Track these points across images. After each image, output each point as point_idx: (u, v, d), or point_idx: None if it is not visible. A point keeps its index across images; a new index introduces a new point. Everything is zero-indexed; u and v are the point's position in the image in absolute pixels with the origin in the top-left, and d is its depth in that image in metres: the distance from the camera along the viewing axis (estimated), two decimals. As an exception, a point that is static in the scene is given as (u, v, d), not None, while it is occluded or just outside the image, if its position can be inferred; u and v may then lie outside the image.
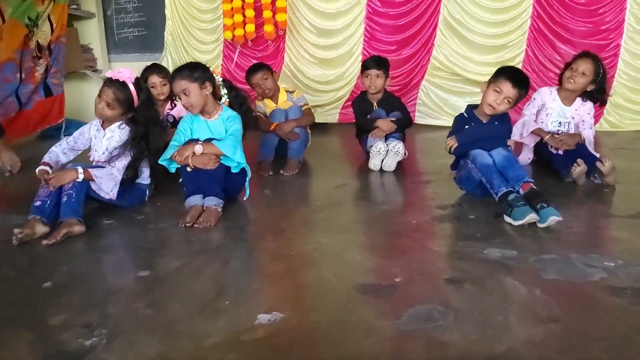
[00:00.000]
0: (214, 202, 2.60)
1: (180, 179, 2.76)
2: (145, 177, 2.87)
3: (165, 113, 3.54)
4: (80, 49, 5.92)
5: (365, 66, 3.88)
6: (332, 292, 1.82)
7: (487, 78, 2.80)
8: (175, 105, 3.54)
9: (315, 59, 5.78)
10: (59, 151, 2.74)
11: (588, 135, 3.35)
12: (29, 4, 4.01)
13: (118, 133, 2.70)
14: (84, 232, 2.42)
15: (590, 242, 2.26)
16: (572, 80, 3.31)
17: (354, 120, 4.06)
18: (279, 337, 1.54)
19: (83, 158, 2.85)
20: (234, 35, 5.66)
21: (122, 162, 2.68)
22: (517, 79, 2.70)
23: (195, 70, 2.69)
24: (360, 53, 5.58)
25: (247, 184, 2.87)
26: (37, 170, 2.61)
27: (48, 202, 2.45)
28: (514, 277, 1.87)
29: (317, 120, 4.28)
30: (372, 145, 3.60)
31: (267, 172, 3.50)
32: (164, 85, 3.52)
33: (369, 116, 3.83)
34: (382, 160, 3.53)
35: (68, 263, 2.13)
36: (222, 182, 2.69)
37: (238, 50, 5.87)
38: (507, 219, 2.43)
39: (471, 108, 2.89)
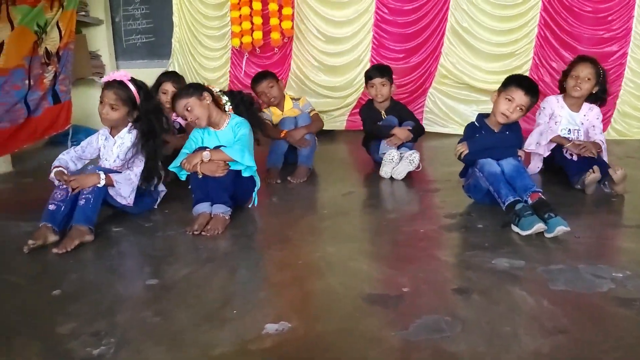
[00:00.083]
0: (221, 210, 2.61)
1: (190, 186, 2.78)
2: (160, 185, 2.92)
3: (172, 119, 3.55)
4: (89, 56, 5.96)
5: (369, 76, 3.90)
6: (339, 301, 1.82)
7: (494, 86, 2.81)
8: None
9: (323, 65, 5.79)
10: (68, 159, 2.75)
11: (601, 139, 3.34)
12: (38, 10, 4.04)
13: (129, 138, 2.70)
14: (92, 240, 2.43)
15: (598, 253, 2.25)
16: (578, 88, 3.33)
17: (362, 128, 4.07)
18: (286, 346, 1.54)
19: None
20: (241, 43, 5.69)
21: (139, 168, 2.70)
22: (528, 87, 2.70)
23: (189, 88, 2.82)
24: (369, 60, 5.59)
25: (255, 193, 2.89)
26: (52, 173, 2.61)
27: (62, 208, 2.46)
28: (521, 287, 1.86)
29: (325, 127, 4.29)
30: (384, 153, 3.59)
31: (275, 179, 3.50)
32: None
33: (379, 123, 3.83)
34: (393, 168, 3.52)
35: (77, 271, 2.14)
36: (231, 189, 2.70)
37: (245, 57, 5.89)
38: (514, 228, 2.42)
39: (482, 117, 2.89)
